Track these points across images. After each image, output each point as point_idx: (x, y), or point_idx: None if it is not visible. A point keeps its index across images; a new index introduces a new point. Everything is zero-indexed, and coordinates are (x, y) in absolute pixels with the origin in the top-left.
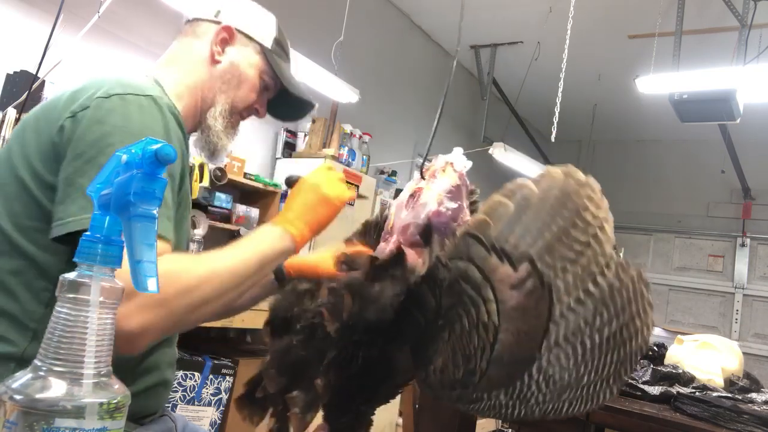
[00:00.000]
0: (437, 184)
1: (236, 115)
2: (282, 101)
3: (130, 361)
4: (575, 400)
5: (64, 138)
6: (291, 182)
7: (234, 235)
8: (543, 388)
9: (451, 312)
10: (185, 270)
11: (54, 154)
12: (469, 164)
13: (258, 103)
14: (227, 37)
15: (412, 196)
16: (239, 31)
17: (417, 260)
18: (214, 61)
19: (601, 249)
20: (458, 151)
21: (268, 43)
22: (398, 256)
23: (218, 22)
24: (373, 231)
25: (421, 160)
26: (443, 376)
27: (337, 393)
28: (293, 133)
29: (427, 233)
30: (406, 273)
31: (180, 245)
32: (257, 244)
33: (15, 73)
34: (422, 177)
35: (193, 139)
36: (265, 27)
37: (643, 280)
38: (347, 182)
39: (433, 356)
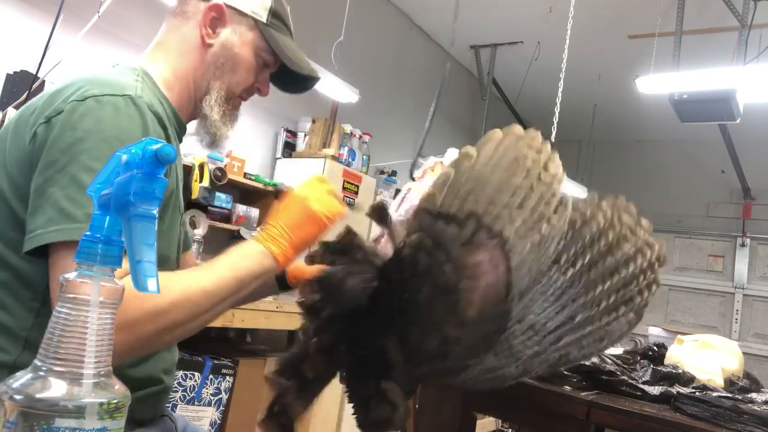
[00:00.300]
0: (425, 182)
1: (235, 99)
2: (286, 72)
3: (123, 368)
4: (583, 340)
5: (37, 145)
6: (279, 193)
7: (234, 236)
8: (531, 337)
9: (413, 284)
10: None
11: (29, 162)
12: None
13: (259, 82)
14: (217, 15)
15: (402, 197)
16: (230, 7)
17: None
18: (205, 45)
19: (548, 190)
20: (452, 152)
21: (263, 16)
22: (346, 235)
23: (206, 0)
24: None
25: (421, 160)
26: (422, 352)
27: (352, 372)
28: (293, 133)
29: (379, 214)
30: (367, 255)
31: (169, 251)
32: (236, 264)
33: (15, 73)
34: (411, 177)
35: (192, 130)
36: None
37: (619, 206)
38: (348, 183)
39: (412, 337)
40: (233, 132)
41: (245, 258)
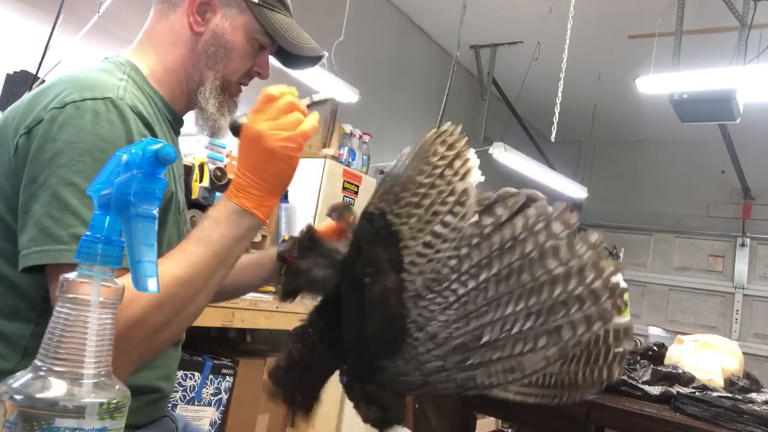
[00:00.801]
0: None
1: (233, 86)
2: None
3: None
4: (491, 366)
5: (20, 158)
6: (235, 130)
7: None
8: (433, 350)
9: (344, 279)
10: (130, 300)
11: (14, 174)
12: None
13: (257, 65)
14: (205, 1)
15: None
16: None
17: None
18: (195, 33)
19: (449, 187)
20: None
21: None
22: (307, 232)
23: None
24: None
25: None
26: (348, 347)
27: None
28: None
29: (339, 212)
30: (328, 249)
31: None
32: (209, 236)
33: (15, 73)
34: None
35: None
36: None
37: (549, 213)
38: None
39: (344, 332)
40: (238, 113)
41: (218, 226)
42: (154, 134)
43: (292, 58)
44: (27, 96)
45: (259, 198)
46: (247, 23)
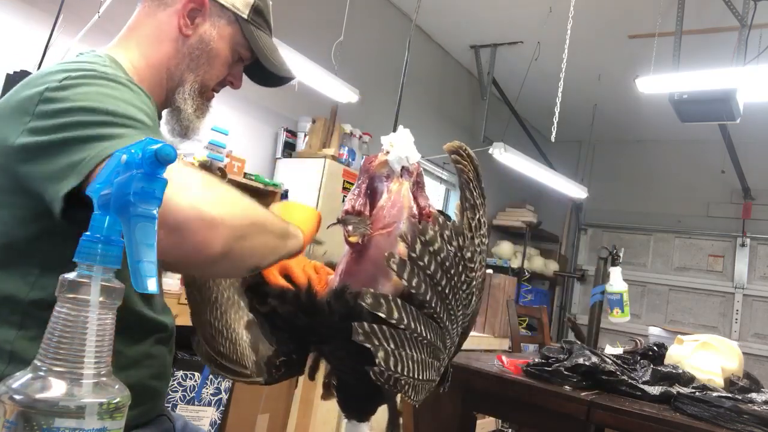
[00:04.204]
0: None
1: (208, 92)
2: (259, 67)
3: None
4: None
5: (37, 131)
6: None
7: None
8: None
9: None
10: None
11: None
12: (397, 139)
13: (232, 75)
14: (197, 7)
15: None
16: (212, 0)
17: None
18: (183, 35)
19: None
20: (401, 131)
21: (245, 13)
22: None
23: None
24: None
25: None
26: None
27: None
28: (293, 133)
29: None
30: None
31: None
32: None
33: (15, 73)
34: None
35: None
36: None
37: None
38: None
39: None
40: (205, 123)
41: (277, 217)
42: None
43: (262, 75)
44: (7, 96)
45: (304, 236)
46: (233, 35)
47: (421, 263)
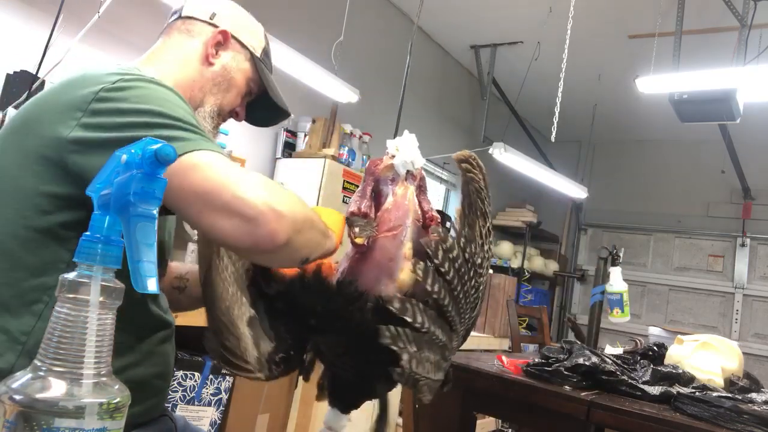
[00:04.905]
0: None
1: (220, 118)
2: (258, 107)
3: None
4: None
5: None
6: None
7: None
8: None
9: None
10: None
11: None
12: (403, 143)
13: (240, 106)
14: (222, 40)
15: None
16: (234, 38)
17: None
18: (208, 63)
19: None
20: (407, 136)
21: (258, 52)
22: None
23: (214, 25)
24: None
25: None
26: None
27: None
28: (293, 133)
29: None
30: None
31: (162, 248)
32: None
33: (15, 73)
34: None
35: None
36: (256, 36)
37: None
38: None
39: None
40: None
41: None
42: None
43: (259, 116)
44: (53, 87)
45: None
46: (248, 70)
47: (442, 269)
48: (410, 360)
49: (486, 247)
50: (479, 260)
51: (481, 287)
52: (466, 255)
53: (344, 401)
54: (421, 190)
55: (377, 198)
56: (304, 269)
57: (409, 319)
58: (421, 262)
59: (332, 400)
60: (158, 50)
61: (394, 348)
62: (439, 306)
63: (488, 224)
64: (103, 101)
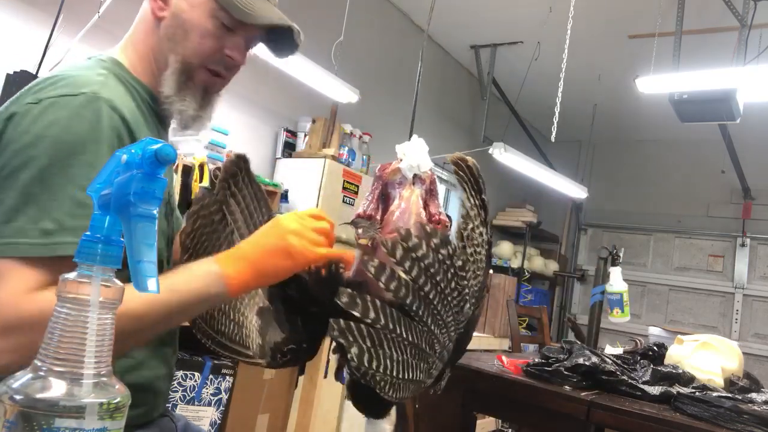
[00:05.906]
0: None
1: (198, 71)
2: (269, 36)
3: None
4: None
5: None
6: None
7: None
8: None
9: None
10: None
11: None
12: (410, 147)
13: (228, 48)
14: None
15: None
16: None
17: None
18: (158, 18)
19: None
20: (415, 140)
21: None
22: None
23: None
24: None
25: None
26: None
27: None
28: (293, 133)
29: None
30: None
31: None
32: (179, 284)
33: (15, 73)
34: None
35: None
36: None
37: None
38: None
39: None
40: (206, 111)
41: (193, 278)
42: (129, 128)
43: (272, 42)
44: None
45: (242, 274)
46: (205, 2)
47: (402, 268)
48: (361, 355)
49: (471, 250)
50: (459, 262)
51: (466, 291)
52: (440, 256)
53: (371, 407)
54: (431, 194)
55: (386, 202)
56: (323, 264)
57: (357, 314)
58: (375, 260)
59: (362, 408)
60: (131, 33)
61: (341, 341)
62: (400, 305)
63: (472, 226)
64: (3, 131)
